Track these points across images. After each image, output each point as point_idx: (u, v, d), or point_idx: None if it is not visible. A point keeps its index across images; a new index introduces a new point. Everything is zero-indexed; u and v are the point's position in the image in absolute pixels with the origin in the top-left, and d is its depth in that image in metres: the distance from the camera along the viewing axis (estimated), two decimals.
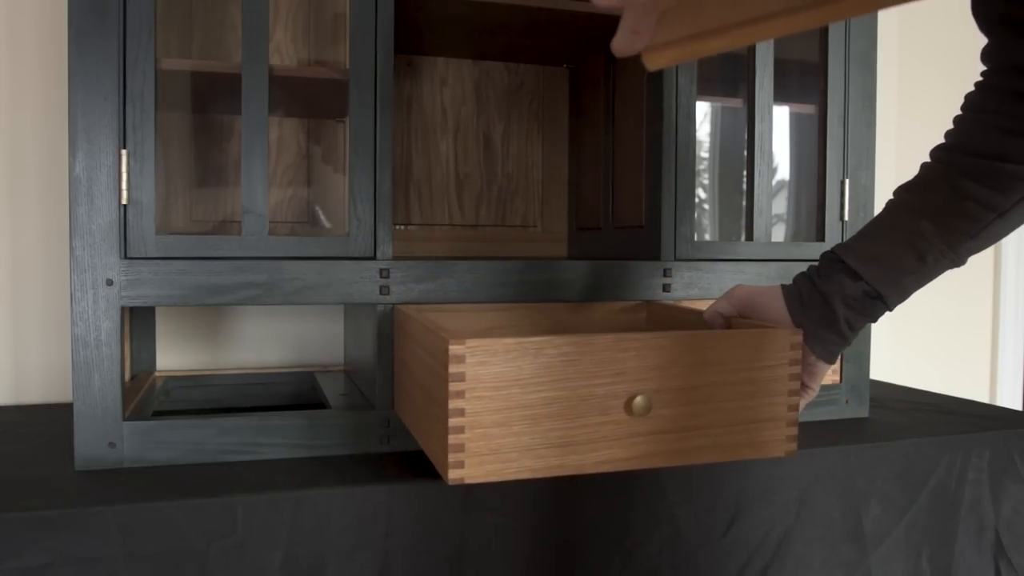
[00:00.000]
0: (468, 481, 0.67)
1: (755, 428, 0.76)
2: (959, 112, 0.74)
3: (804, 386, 0.80)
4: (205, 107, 1.19)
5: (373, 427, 0.91)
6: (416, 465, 0.86)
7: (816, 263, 0.80)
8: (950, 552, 1.00)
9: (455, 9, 1.03)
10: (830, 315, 0.76)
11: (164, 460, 0.84)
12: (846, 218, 1.09)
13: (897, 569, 0.97)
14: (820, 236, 1.09)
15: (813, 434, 1.01)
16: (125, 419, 0.84)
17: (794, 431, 0.77)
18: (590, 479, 0.85)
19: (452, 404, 0.65)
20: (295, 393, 1.23)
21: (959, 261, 0.74)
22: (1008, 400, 1.90)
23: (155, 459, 0.84)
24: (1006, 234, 0.73)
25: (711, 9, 0.55)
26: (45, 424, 1.04)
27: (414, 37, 1.19)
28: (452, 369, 0.65)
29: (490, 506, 0.82)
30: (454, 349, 0.65)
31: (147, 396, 1.06)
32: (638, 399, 0.70)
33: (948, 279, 1.80)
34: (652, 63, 0.58)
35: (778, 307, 0.79)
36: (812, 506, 0.93)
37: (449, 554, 0.80)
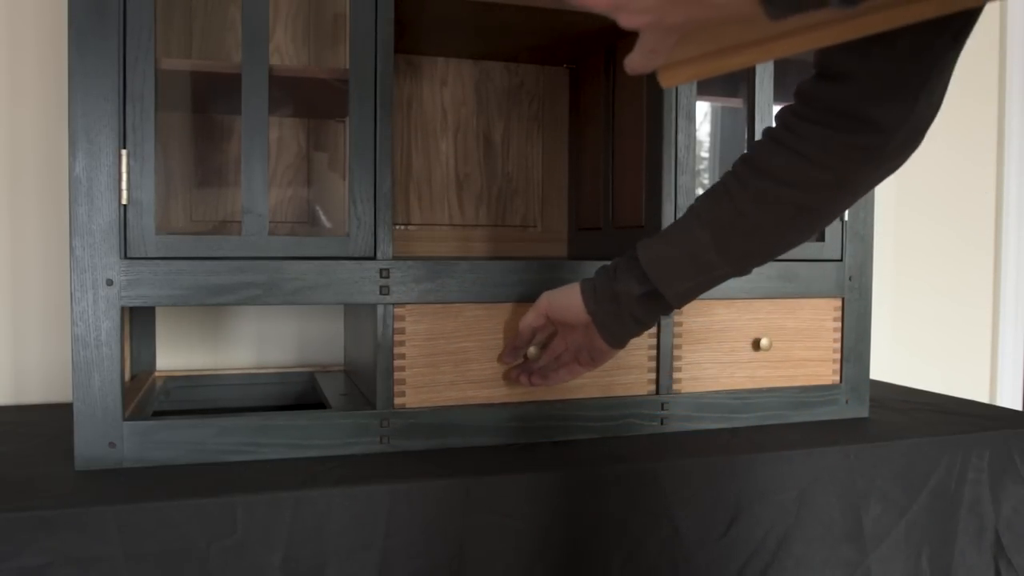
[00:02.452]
0: (408, 406, 0.92)
1: (621, 373, 1.01)
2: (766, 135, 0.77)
3: (591, 359, 0.91)
4: (205, 107, 1.19)
5: (373, 427, 0.91)
6: (416, 465, 0.86)
7: (614, 260, 0.86)
8: (950, 552, 1.00)
9: (455, 9, 1.03)
10: (619, 311, 0.84)
11: (164, 460, 0.84)
12: (846, 218, 1.09)
13: (897, 569, 0.97)
14: (820, 236, 1.09)
15: (813, 434, 1.01)
16: (125, 419, 0.84)
17: (653, 376, 1.02)
18: (590, 479, 0.85)
19: (396, 351, 0.92)
20: (295, 393, 1.23)
21: (741, 271, 0.80)
22: (1008, 400, 1.90)
23: (155, 459, 0.84)
24: (784, 250, 0.79)
25: (730, 28, 0.55)
26: (45, 424, 1.04)
27: (414, 37, 1.19)
28: (396, 325, 0.91)
29: (490, 506, 0.82)
30: (397, 311, 0.91)
31: (147, 396, 1.06)
32: (532, 348, 0.95)
33: (948, 279, 1.82)
34: (668, 81, 0.58)
35: (576, 304, 0.86)
36: (812, 506, 0.93)
37: (449, 554, 0.80)
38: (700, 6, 0.49)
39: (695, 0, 0.49)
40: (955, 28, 0.64)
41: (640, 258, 0.81)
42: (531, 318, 0.91)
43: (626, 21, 0.52)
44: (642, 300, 0.82)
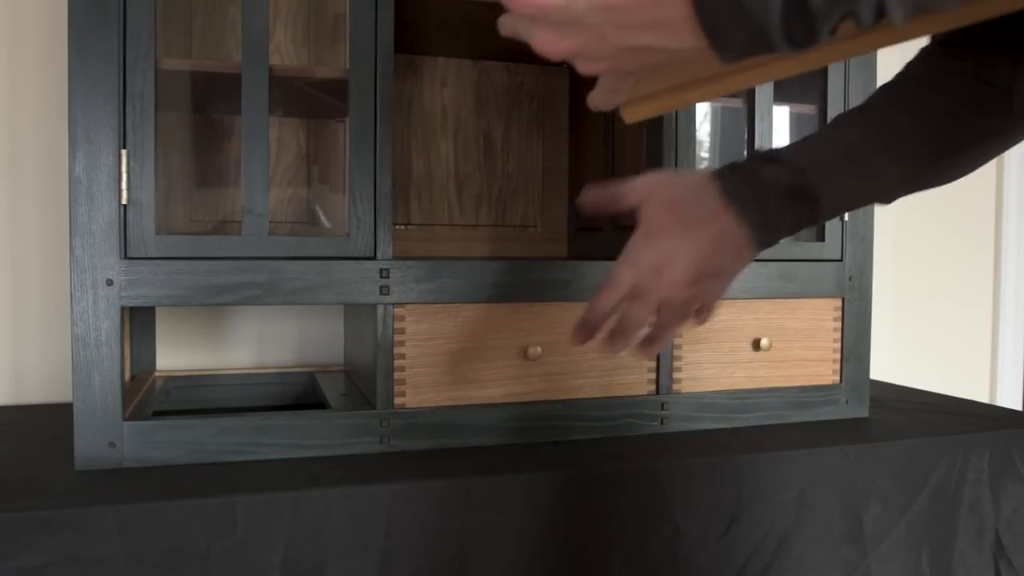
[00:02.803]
0: (408, 407, 0.91)
1: (621, 373, 0.99)
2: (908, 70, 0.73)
3: (715, 283, 0.68)
4: (205, 107, 1.19)
5: (373, 427, 0.91)
6: (416, 465, 0.86)
7: (738, 161, 0.71)
8: (950, 552, 1.00)
9: (455, 9, 1.03)
10: (764, 196, 0.66)
11: (164, 460, 0.84)
12: (846, 218, 1.09)
13: (897, 569, 0.97)
14: (820, 236, 1.09)
15: (813, 434, 1.01)
16: (125, 419, 0.84)
17: (653, 376, 1.00)
18: (590, 479, 0.85)
19: (396, 351, 0.91)
20: (295, 393, 1.23)
21: (913, 181, 0.70)
22: (1008, 400, 1.90)
23: (155, 459, 0.84)
24: (960, 167, 0.70)
25: (688, 65, 0.56)
26: (45, 424, 1.04)
27: (414, 37, 1.19)
28: (396, 325, 0.91)
29: (490, 506, 0.82)
30: (397, 311, 0.91)
31: (147, 396, 1.06)
32: (532, 348, 0.94)
33: (948, 279, 1.81)
34: (631, 116, 0.59)
35: (706, 191, 0.67)
36: (812, 506, 0.93)
37: (449, 554, 0.80)
38: (655, 53, 0.50)
39: (649, 49, 0.50)
40: None
41: (778, 154, 0.67)
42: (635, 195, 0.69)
43: (584, 68, 0.54)
44: (789, 195, 0.66)
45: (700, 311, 0.70)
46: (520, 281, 0.95)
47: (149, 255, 0.84)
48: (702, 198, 0.67)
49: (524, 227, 1.39)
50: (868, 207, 1.10)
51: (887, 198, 0.71)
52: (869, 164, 0.69)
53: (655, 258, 0.66)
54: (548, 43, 0.52)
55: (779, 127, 1.18)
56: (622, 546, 0.86)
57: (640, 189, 0.69)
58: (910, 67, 0.73)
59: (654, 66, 0.54)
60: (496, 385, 0.96)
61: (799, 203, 0.67)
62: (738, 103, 1.17)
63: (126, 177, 0.83)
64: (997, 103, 0.68)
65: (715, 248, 0.66)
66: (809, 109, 1.16)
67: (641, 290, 0.67)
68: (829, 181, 0.67)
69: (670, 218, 0.67)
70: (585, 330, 0.69)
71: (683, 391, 1.04)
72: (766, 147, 0.70)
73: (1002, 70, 0.67)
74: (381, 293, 0.90)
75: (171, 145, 1.21)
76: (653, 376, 1.02)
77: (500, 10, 0.54)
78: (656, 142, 1.03)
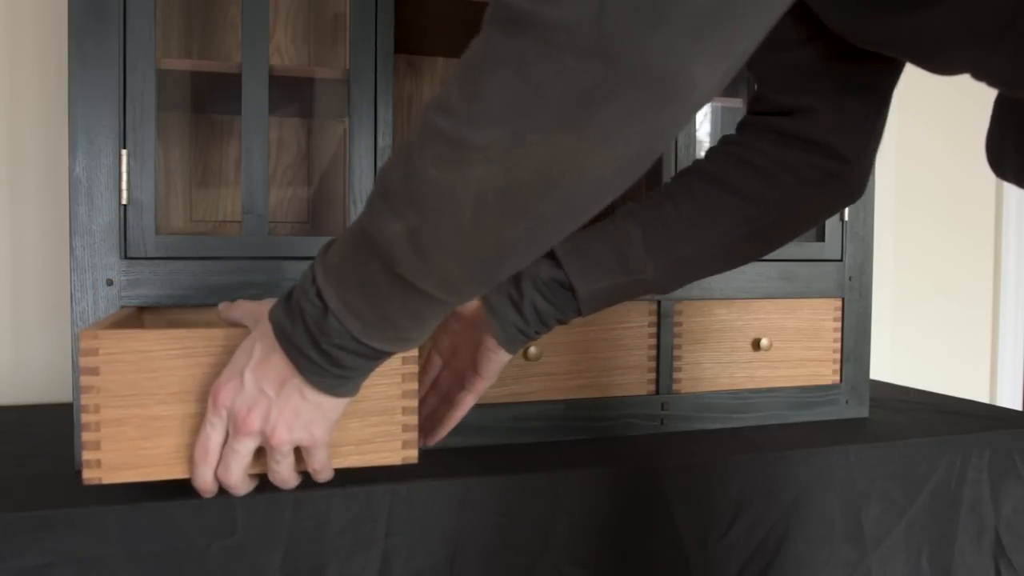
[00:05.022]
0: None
1: (621, 373, 0.99)
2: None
3: (476, 374, 0.72)
4: (205, 107, 1.19)
5: None
6: (416, 465, 0.86)
7: None
8: (950, 552, 1.00)
9: (455, 9, 1.03)
10: (517, 293, 0.69)
11: None
12: (846, 218, 1.09)
13: (897, 569, 0.97)
14: (820, 236, 1.09)
15: (813, 434, 1.01)
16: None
17: (653, 376, 1.01)
18: (590, 479, 0.85)
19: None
20: None
21: (667, 283, 0.71)
22: (1008, 400, 1.90)
23: None
24: (716, 270, 0.73)
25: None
26: (45, 424, 1.04)
27: (414, 37, 1.19)
28: None
29: (490, 506, 0.82)
30: None
31: None
32: (532, 348, 0.94)
33: (948, 279, 1.82)
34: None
35: None
36: (812, 506, 0.93)
37: (449, 554, 0.80)
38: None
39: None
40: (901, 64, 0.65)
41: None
42: None
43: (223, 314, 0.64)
44: (548, 288, 0.69)
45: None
46: None
47: (149, 255, 0.84)
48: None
49: None
50: (868, 205, 1.10)
51: (662, 289, 0.72)
52: (636, 265, 0.70)
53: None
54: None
55: None
56: (622, 546, 0.86)
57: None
58: (705, 162, 0.74)
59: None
60: (496, 385, 0.96)
61: (556, 299, 0.70)
62: (738, 103, 1.17)
63: (126, 177, 0.83)
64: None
65: (473, 338, 0.73)
66: None
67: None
68: (591, 275, 0.69)
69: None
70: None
71: (683, 391, 1.04)
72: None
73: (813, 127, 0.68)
74: None
75: (171, 145, 1.21)
76: (653, 376, 1.02)
77: None
78: None
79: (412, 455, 0.67)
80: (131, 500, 0.73)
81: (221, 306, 0.65)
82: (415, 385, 0.65)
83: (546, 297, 0.69)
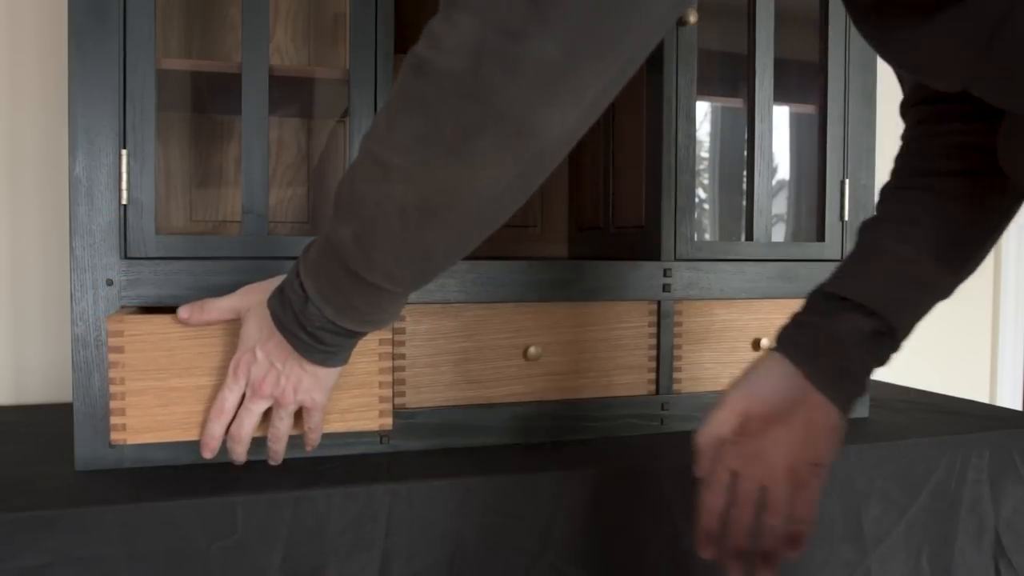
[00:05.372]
0: (408, 407, 0.91)
1: (621, 373, 1.00)
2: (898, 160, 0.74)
3: (817, 460, 0.65)
4: (205, 107, 1.19)
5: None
6: (416, 465, 0.86)
7: (799, 313, 0.70)
8: (950, 552, 1.00)
9: None
10: (845, 361, 0.65)
11: (164, 460, 0.84)
12: (846, 218, 1.09)
13: (897, 569, 0.97)
14: (820, 236, 1.09)
15: None
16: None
17: (653, 376, 1.01)
18: (590, 479, 0.85)
19: (394, 350, 0.88)
20: None
21: (959, 280, 0.70)
22: (1008, 400, 1.90)
23: (155, 459, 0.84)
24: (991, 245, 0.71)
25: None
26: (45, 424, 1.04)
27: (414, 37, 1.19)
28: (396, 325, 0.88)
29: (490, 506, 0.82)
30: None
31: None
32: (532, 348, 0.95)
33: None
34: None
35: (777, 375, 0.66)
36: None
37: (449, 554, 0.80)
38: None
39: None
40: None
41: (844, 294, 0.66)
42: (720, 420, 0.68)
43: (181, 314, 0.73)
44: (870, 341, 0.66)
45: (794, 537, 0.66)
46: (520, 281, 0.95)
47: (149, 255, 0.84)
48: (778, 390, 0.66)
49: (524, 227, 1.39)
50: (868, 205, 1.10)
51: (947, 295, 0.70)
52: (929, 281, 0.68)
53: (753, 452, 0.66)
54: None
55: (779, 127, 1.18)
56: (622, 546, 0.86)
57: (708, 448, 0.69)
58: (906, 168, 0.73)
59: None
60: (496, 385, 0.96)
61: (877, 347, 0.67)
62: (738, 103, 1.17)
63: (126, 177, 0.83)
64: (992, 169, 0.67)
65: (800, 429, 0.65)
66: (809, 109, 1.16)
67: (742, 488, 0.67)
68: (901, 308, 0.67)
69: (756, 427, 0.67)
70: (709, 541, 0.68)
71: (683, 391, 1.04)
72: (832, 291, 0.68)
73: (981, 133, 0.67)
74: None
75: (171, 145, 1.21)
76: (653, 376, 1.02)
77: None
78: (656, 142, 1.03)
79: (387, 423, 0.80)
80: (131, 500, 0.73)
81: (183, 312, 0.72)
82: (390, 363, 0.79)
83: (870, 350, 0.67)
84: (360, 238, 0.55)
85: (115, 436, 0.74)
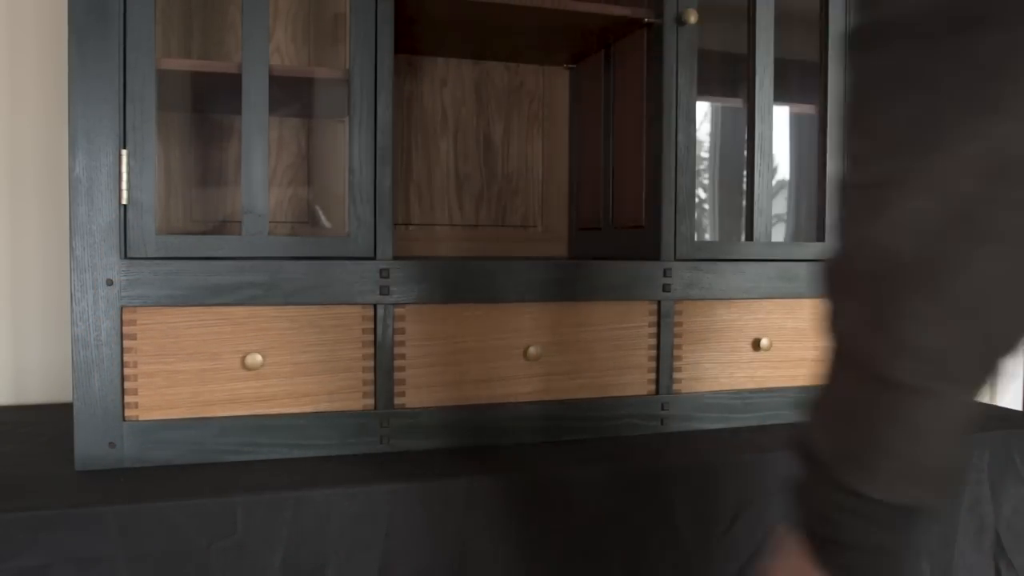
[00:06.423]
0: (408, 406, 0.92)
1: (621, 373, 1.00)
2: None
3: None
4: (205, 107, 1.19)
5: (373, 427, 0.91)
6: (416, 465, 0.86)
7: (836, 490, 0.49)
8: (950, 552, 1.00)
9: (455, 9, 1.03)
10: (888, 560, 0.49)
11: (164, 460, 0.84)
12: None
13: None
14: (820, 236, 1.09)
15: None
16: (125, 419, 0.84)
17: (653, 376, 1.01)
18: (591, 479, 0.85)
19: (394, 350, 0.92)
20: None
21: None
22: (1008, 400, 1.90)
23: (155, 459, 0.84)
24: None
25: None
26: (45, 424, 1.04)
27: (414, 37, 1.19)
28: (396, 325, 0.91)
29: (490, 506, 0.82)
30: (397, 311, 0.91)
31: None
32: (532, 348, 0.95)
33: None
34: None
35: None
36: None
37: (449, 554, 0.80)
38: None
39: None
40: None
41: (867, 492, 0.46)
42: None
43: None
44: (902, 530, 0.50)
45: None
46: (520, 281, 0.95)
47: (149, 255, 0.84)
48: None
49: (524, 227, 1.39)
50: None
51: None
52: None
53: None
54: None
55: (779, 127, 1.18)
56: (623, 546, 0.86)
57: None
58: None
59: None
60: (496, 385, 0.96)
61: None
62: (738, 103, 1.17)
63: (126, 177, 0.83)
64: None
65: None
66: (809, 109, 1.16)
67: None
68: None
69: None
70: None
71: (683, 391, 1.04)
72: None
73: None
74: (381, 293, 0.90)
75: (171, 145, 1.21)
76: (653, 376, 1.02)
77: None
78: (657, 142, 1.03)
79: (370, 403, 0.90)
80: (131, 500, 0.73)
81: None
82: (372, 350, 0.88)
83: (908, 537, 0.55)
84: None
85: (128, 413, 0.83)
